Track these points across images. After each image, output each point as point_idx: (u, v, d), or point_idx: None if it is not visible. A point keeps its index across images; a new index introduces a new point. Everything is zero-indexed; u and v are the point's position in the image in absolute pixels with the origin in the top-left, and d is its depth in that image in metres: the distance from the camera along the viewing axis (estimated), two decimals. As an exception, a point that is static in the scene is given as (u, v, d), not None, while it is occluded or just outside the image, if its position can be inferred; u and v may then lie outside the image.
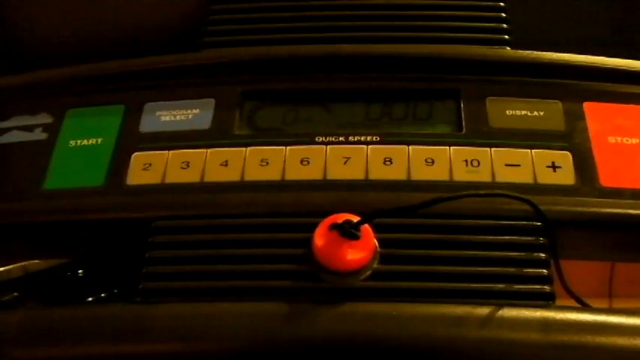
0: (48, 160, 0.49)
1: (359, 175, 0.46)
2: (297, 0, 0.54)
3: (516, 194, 0.43)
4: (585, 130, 0.47)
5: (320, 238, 0.42)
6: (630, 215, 0.44)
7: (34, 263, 0.63)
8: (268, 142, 0.48)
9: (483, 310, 0.40)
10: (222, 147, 0.48)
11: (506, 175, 0.45)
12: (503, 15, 0.53)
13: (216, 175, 0.47)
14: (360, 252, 0.41)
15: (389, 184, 0.45)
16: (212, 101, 0.50)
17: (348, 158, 0.47)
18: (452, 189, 0.44)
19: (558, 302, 0.42)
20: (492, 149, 0.47)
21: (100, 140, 0.49)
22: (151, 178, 0.47)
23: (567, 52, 0.50)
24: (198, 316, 0.41)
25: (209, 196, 0.46)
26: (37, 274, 0.64)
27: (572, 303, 0.44)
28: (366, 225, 0.42)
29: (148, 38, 0.59)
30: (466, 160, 0.46)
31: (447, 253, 0.43)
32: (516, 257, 0.42)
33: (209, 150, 0.48)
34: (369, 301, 0.41)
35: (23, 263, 0.61)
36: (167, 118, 0.50)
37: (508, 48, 0.52)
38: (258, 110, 0.50)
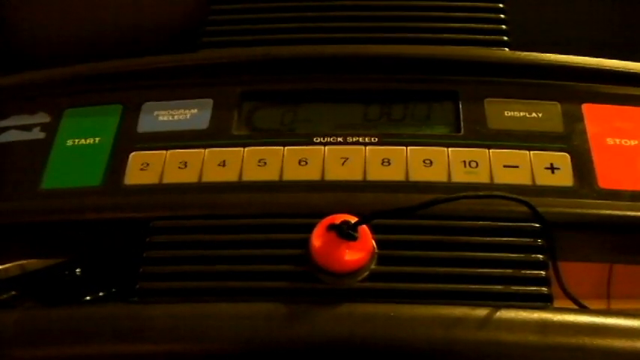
0: (45, 160, 0.49)
1: (357, 176, 0.46)
2: (296, 1, 0.54)
3: (514, 196, 0.43)
4: (584, 131, 0.47)
5: (318, 238, 0.42)
6: (629, 217, 0.44)
7: (32, 262, 0.63)
8: (266, 143, 0.48)
9: (481, 312, 0.40)
10: (220, 147, 0.48)
11: (504, 177, 0.45)
12: (502, 16, 0.53)
13: (214, 175, 0.47)
14: (357, 253, 0.41)
15: (387, 184, 0.45)
16: (210, 101, 0.50)
17: (346, 159, 0.47)
18: (450, 190, 0.44)
19: (556, 304, 0.42)
20: (491, 150, 0.47)
21: (97, 140, 0.49)
22: (148, 178, 0.47)
23: (566, 54, 0.50)
24: (195, 316, 0.41)
25: (207, 196, 0.46)
26: (34, 273, 0.64)
27: (570, 304, 0.44)
28: (364, 226, 0.42)
29: (147, 38, 0.59)
30: (464, 161, 0.46)
31: (445, 255, 0.42)
32: (514, 259, 0.42)
33: (207, 150, 0.48)
34: (367, 302, 0.41)
35: (21, 262, 0.61)
36: (165, 118, 0.50)
37: (507, 49, 0.52)
38: (256, 110, 0.50)
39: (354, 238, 0.41)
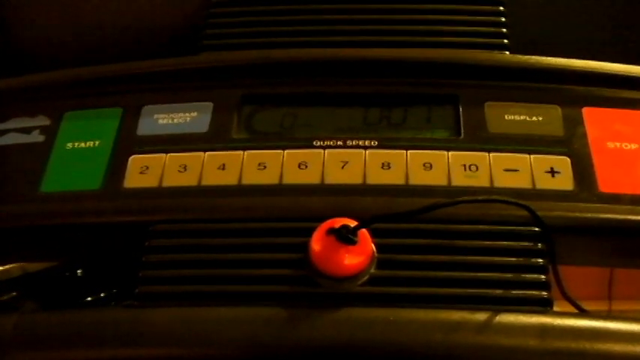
0: (45, 163, 0.49)
1: (357, 180, 0.46)
2: (296, 4, 0.54)
3: (514, 200, 0.43)
4: (584, 135, 0.47)
5: (317, 242, 0.41)
6: (629, 221, 0.44)
7: (33, 263, 0.63)
8: (266, 146, 0.48)
9: (481, 316, 0.40)
10: (220, 150, 0.48)
11: (504, 180, 0.45)
12: (502, 19, 0.53)
13: (214, 178, 0.47)
14: (357, 257, 0.41)
15: (387, 188, 0.45)
16: (210, 104, 0.50)
17: (346, 162, 0.47)
18: (450, 194, 0.44)
19: (556, 306, 0.41)
20: (491, 154, 0.46)
21: (97, 143, 0.49)
22: (148, 181, 0.47)
23: (566, 57, 0.50)
24: (194, 320, 0.41)
25: (206, 199, 0.46)
26: (35, 274, 0.63)
27: (571, 308, 0.44)
28: (364, 230, 0.42)
29: (147, 41, 0.59)
30: (464, 165, 0.46)
31: (445, 259, 0.42)
32: (514, 263, 0.42)
33: (207, 153, 0.48)
34: (366, 307, 0.41)
35: (22, 263, 0.61)
36: (165, 121, 0.50)
37: (507, 53, 0.52)
38: (256, 114, 0.50)
39: (353, 242, 0.41)
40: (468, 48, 0.52)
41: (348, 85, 0.50)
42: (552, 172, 0.46)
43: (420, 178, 0.46)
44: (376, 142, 0.47)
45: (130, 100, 0.51)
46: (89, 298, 0.65)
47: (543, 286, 0.42)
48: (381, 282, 0.42)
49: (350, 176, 0.46)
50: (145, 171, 0.47)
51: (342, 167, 0.46)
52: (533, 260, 0.42)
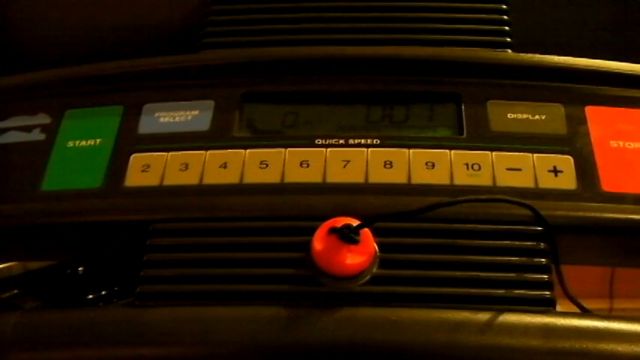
0: (46, 161, 0.48)
1: (359, 179, 0.46)
2: (298, 2, 0.54)
3: (517, 199, 0.43)
4: (587, 134, 0.47)
5: (319, 242, 0.41)
6: (632, 220, 0.44)
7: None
8: (268, 145, 0.47)
9: (483, 316, 0.40)
10: (222, 149, 0.48)
11: (507, 180, 0.45)
12: (505, 17, 0.53)
13: (215, 177, 0.46)
14: (359, 256, 0.41)
15: (389, 187, 0.45)
16: (211, 103, 0.50)
17: (348, 161, 0.46)
18: (452, 193, 0.44)
19: (559, 304, 0.41)
20: (493, 153, 0.46)
21: (98, 141, 0.49)
22: (149, 179, 0.47)
23: (569, 56, 0.50)
24: (196, 320, 0.41)
25: (208, 198, 0.46)
26: (36, 272, 0.64)
27: (573, 307, 0.44)
28: (366, 229, 0.42)
29: (148, 39, 0.59)
30: (467, 164, 0.46)
31: (447, 258, 0.42)
32: (517, 262, 0.42)
33: (208, 152, 0.48)
34: (369, 306, 0.41)
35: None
36: (166, 120, 0.50)
37: (510, 51, 0.51)
38: (257, 112, 0.50)
39: (355, 242, 0.41)
40: (471, 46, 0.51)
41: (350, 83, 0.50)
42: (555, 171, 0.46)
43: (423, 176, 0.45)
44: (378, 141, 0.47)
45: (130, 98, 0.51)
46: (90, 296, 0.65)
47: (546, 285, 0.42)
48: (383, 281, 0.42)
49: (352, 175, 0.46)
50: (146, 169, 0.47)
51: (344, 166, 0.46)
52: (536, 260, 0.42)
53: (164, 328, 0.41)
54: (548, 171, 0.45)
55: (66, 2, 0.59)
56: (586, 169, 0.46)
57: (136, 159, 0.48)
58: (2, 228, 0.47)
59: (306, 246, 0.42)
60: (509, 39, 0.52)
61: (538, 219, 0.43)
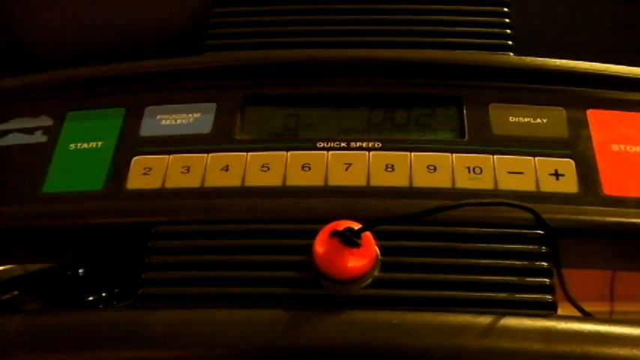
0: (48, 164, 0.48)
1: (360, 182, 0.46)
2: (299, 4, 0.54)
3: (519, 203, 0.43)
4: (589, 137, 0.47)
5: (321, 245, 0.41)
6: (634, 224, 0.44)
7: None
8: (269, 147, 0.47)
9: (485, 320, 0.40)
10: (223, 152, 0.48)
11: (508, 183, 0.45)
12: (507, 20, 0.53)
13: (217, 180, 0.46)
14: (361, 259, 0.41)
15: (390, 190, 0.45)
16: (213, 105, 0.50)
17: (350, 164, 0.46)
18: (454, 196, 0.44)
19: (560, 307, 0.41)
20: (495, 156, 0.46)
21: (100, 144, 0.49)
22: (151, 182, 0.47)
23: (571, 59, 0.50)
24: (197, 322, 0.41)
25: (209, 201, 0.46)
26: (37, 273, 0.63)
27: (574, 310, 0.44)
28: (368, 232, 0.42)
29: (150, 41, 0.59)
30: (468, 167, 0.46)
31: (449, 262, 0.42)
32: (518, 266, 0.42)
33: (210, 155, 0.48)
34: (370, 310, 0.41)
35: (23, 263, 0.61)
36: (168, 122, 0.50)
37: (511, 54, 0.51)
38: (259, 115, 0.50)
39: (357, 245, 0.41)
40: (473, 49, 0.51)
41: (352, 86, 0.50)
42: (557, 174, 0.46)
43: (424, 180, 0.45)
44: (380, 144, 0.47)
45: (132, 100, 0.51)
46: (91, 298, 0.65)
47: (548, 289, 0.42)
48: (385, 285, 0.42)
49: (353, 178, 0.46)
50: (147, 172, 0.47)
51: (346, 169, 0.46)
52: (538, 263, 0.42)
53: (166, 330, 0.41)
54: (550, 174, 0.45)
55: (67, 4, 0.59)
56: (587, 172, 0.46)
57: (138, 161, 0.48)
58: (4, 230, 0.47)
59: (308, 249, 0.42)
60: (510, 42, 0.52)
61: (539, 222, 0.43)
